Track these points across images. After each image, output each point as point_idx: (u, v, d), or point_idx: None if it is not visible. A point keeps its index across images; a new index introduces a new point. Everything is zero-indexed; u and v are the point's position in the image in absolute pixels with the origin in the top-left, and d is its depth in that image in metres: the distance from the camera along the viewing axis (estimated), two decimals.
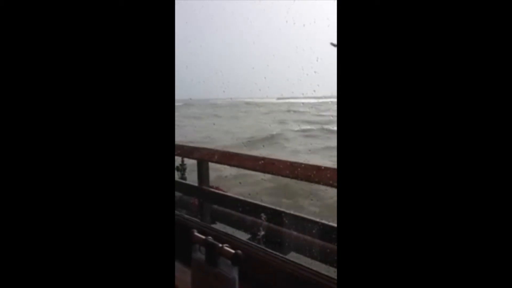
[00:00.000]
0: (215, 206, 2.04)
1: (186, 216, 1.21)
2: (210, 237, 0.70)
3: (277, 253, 0.89)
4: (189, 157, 2.17)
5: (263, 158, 1.59)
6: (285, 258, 0.88)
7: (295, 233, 1.61)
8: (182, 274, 0.78)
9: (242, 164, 1.67)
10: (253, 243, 1.02)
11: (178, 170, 2.56)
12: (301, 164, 1.38)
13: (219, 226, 1.91)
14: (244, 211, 1.83)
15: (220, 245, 0.67)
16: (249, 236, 1.83)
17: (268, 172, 1.56)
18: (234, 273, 0.65)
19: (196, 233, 0.71)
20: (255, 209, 1.77)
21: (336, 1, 0.43)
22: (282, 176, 1.50)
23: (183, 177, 2.56)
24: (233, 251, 0.65)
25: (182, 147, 2.04)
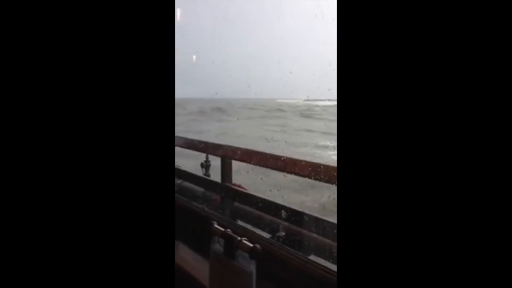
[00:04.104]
0: (236, 204, 2.06)
1: (207, 209, 1.23)
2: (229, 230, 0.70)
3: (296, 251, 0.89)
4: (213, 154, 2.20)
5: (285, 158, 1.58)
6: (303, 256, 0.87)
7: (315, 235, 1.59)
8: (201, 265, 0.80)
9: (263, 162, 1.67)
10: (272, 240, 1.01)
11: (202, 167, 2.60)
12: (322, 164, 1.36)
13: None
14: (266, 210, 1.83)
15: (239, 238, 0.67)
16: (269, 236, 1.82)
17: (289, 172, 1.55)
18: (252, 267, 0.65)
19: (216, 225, 0.72)
20: (277, 209, 1.77)
21: (336, 1, 0.43)
22: (303, 176, 1.49)
23: (207, 173, 2.60)
24: (251, 244, 0.65)
25: (206, 143, 2.07)
